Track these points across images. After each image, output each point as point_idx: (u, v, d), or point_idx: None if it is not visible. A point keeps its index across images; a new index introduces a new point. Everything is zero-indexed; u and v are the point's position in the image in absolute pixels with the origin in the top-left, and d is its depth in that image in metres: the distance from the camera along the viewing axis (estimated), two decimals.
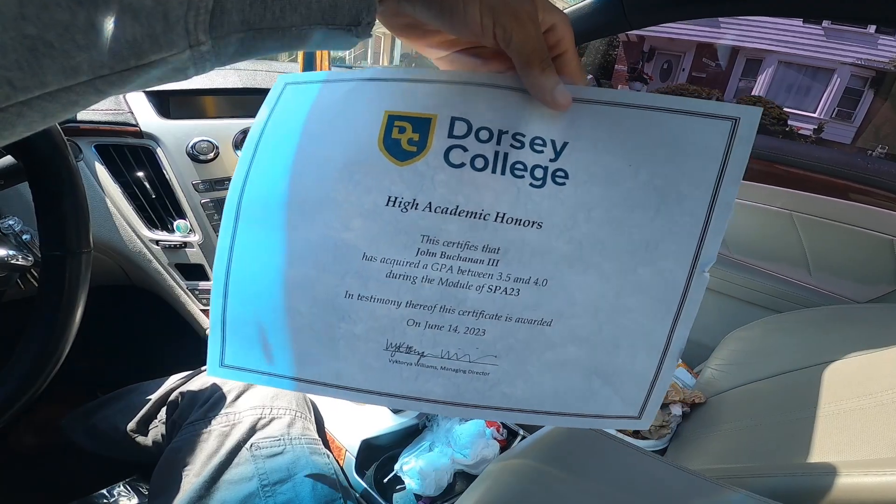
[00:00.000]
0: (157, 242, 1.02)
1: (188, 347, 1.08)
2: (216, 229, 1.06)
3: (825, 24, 5.66)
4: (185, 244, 1.04)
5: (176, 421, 0.70)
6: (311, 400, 0.78)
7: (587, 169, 0.29)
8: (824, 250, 1.18)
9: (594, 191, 0.29)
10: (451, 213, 0.30)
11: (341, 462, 0.80)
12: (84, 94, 0.18)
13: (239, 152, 1.05)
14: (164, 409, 0.74)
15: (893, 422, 0.65)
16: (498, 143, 0.29)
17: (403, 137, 0.30)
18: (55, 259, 0.55)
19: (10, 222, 0.64)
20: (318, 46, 0.25)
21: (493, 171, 0.29)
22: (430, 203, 0.30)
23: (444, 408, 0.31)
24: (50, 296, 0.55)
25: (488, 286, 0.30)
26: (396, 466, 0.82)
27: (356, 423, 0.84)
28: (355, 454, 0.79)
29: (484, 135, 0.30)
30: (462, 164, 0.30)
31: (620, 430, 1.02)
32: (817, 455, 0.68)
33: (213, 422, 0.65)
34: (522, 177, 0.29)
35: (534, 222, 0.30)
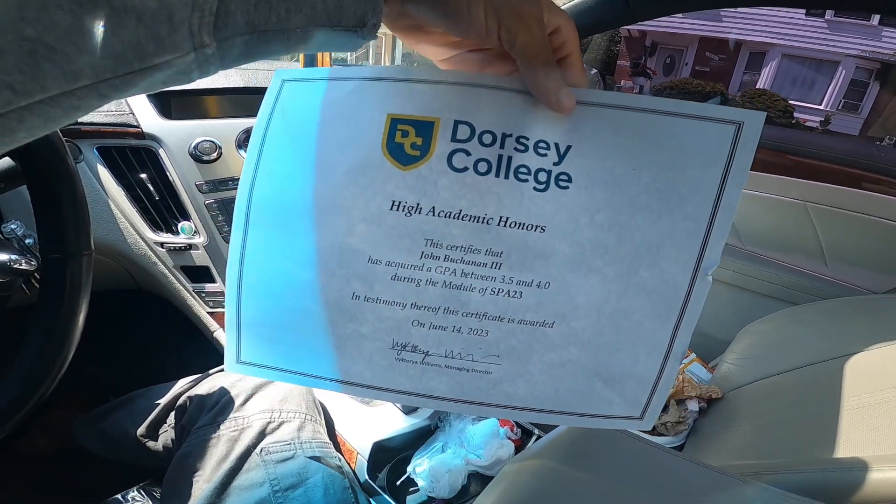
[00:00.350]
0: (161, 245, 1.00)
1: (197, 350, 1.08)
2: (221, 231, 1.05)
3: (828, 16, 5.64)
4: (191, 246, 1.02)
5: (185, 426, 0.69)
6: (321, 402, 0.77)
7: (590, 173, 0.29)
8: (840, 241, 1.16)
9: (597, 194, 0.30)
10: (454, 218, 0.30)
11: (353, 465, 0.79)
12: (86, 98, 0.18)
13: (242, 152, 1.04)
14: (172, 414, 0.73)
15: None
16: (501, 146, 0.30)
17: (406, 141, 0.30)
18: (55, 262, 0.54)
19: (13, 226, 0.63)
20: (322, 48, 0.25)
21: (497, 175, 0.30)
22: (433, 207, 0.30)
23: (448, 404, 0.32)
24: (50, 300, 0.54)
25: (491, 289, 0.30)
26: (409, 468, 0.80)
27: (367, 425, 0.83)
28: (367, 457, 0.78)
29: (487, 138, 0.30)
30: (465, 169, 0.30)
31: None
32: (843, 450, 0.66)
33: (222, 426, 0.64)
34: (526, 181, 0.30)
35: (537, 226, 0.30)
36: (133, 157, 0.97)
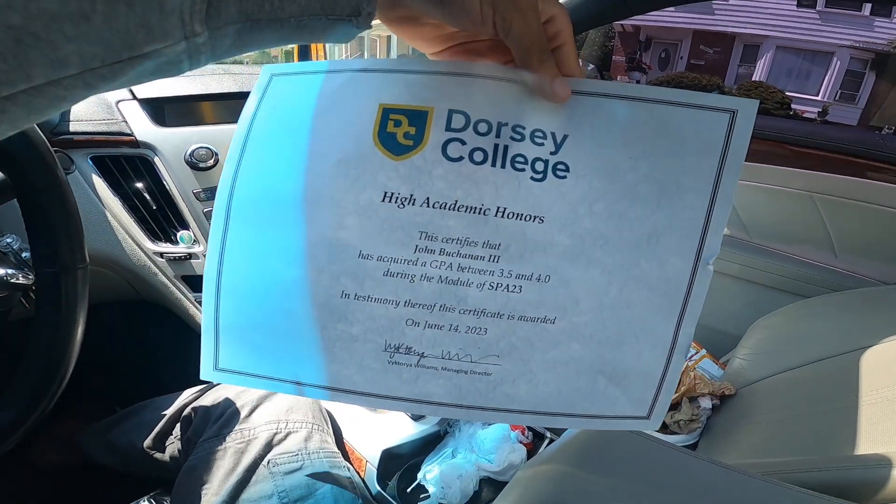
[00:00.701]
0: (161, 255, 0.99)
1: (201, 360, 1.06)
2: None
3: (819, 7, 5.64)
4: (190, 255, 1.01)
5: (190, 438, 0.68)
6: (328, 410, 0.76)
7: (588, 162, 0.29)
8: (849, 231, 1.14)
9: (595, 184, 0.29)
10: (449, 209, 0.29)
11: (362, 473, 0.77)
12: (72, 88, 0.17)
13: None
14: (178, 425, 0.72)
15: None
16: (497, 135, 0.29)
17: (399, 131, 0.29)
18: (49, 276, 0.54)
19: (9, 240, 0.62)
20: (317, 39, 0.24)
21: (493, 165, 0.29)
22: (427, 198, 0.29)
23: (445, 410, 0.31)
24: (47, 314, 0.53)
25: (489, 283, 0.29)
26: (419, 475, 0.79)
27: (375, 432, 0.82)
28: (376, 465, 0.77)
29: (483, 127, 0.29)
30: (460, 158, 0.29)
31: None
32: (865, 447, 0.65)
33: (228, 438, 0.63)
34: (523, 170, 0.29)
35: (535, 216, 0.29)
36: (128, 166, 0.95)
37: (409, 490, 0.79)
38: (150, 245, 0.98)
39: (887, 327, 0.82)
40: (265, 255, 0.31)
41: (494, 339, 0.30)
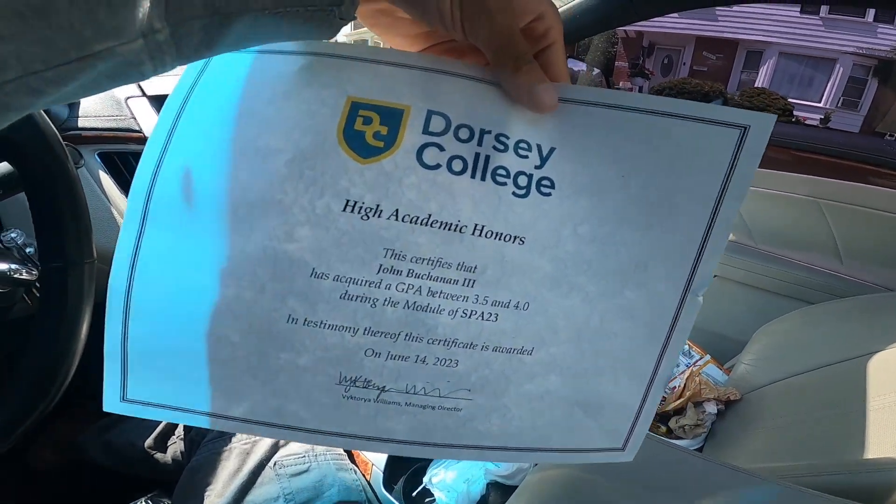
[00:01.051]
0: None
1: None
2: None
3: (822, 13, 5.66)
4: None
5: (194, 438, 0.68)
6: None
7: (575, 179, 0.26)
8: (855, 238, 1.14)
9: (582, 203, 0.26)
10: (421, 224, 0.25)
11: (368, 477, 0.76)
12: (15, 95, 0.15)
13: None
14: (181, 425, 0.71)
15: None
16: (479, 143, 0.25)
17: (369, 129, 0.25)
18: (55, 271, 0.53)
19: (13, 235, 0.62)
20: (295, 35, 0.22)
21: (473, 176, 0.25)
22: (396, 210, 0.25)
23: (409, 448, 0.27)
24: (51, 310, 0.52)
25: (462, 310, 0.26)
26: (425, 479, 0.78)
27: None
28: (382, 468, 0.76)
29: (464, 133, 0.25)
30: (437, 166, 0.25)
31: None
32: (873, 451, 0.65)
33: (233, 439, 0.63)
34: (505, 184, 0.25)
35: (516, 237, 0.26)
36: (136, 163, 0.94)
37: (414, 494, 0.78)
38: None
39: (893, 333, 0.82)
40: (190, 267, 0.26)
41: (466, 372, 0.27)
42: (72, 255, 0.53)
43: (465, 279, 0.25)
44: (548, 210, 0.26)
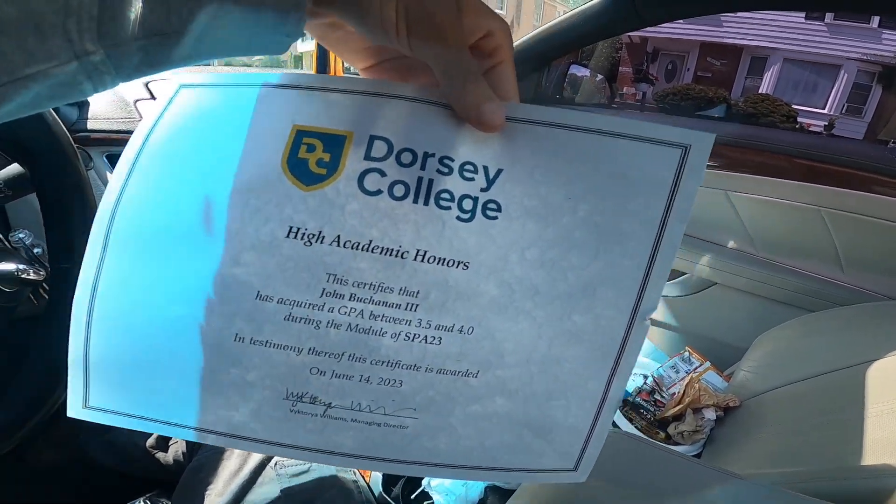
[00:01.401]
0: None
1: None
2: None
3: (828, 19, 5.65)
4: None
5: None
6: None
7: (522, 202, 0.26)
8: (856, 246, 1.14)
9: (529, 227, 0.26)
10: (363, 249, 0.26)
11: (367, 479, 0.77)
12: None
13: None
14: None
15: None
16: (422, 167, 0.26)
17: (312, 157, 0.26)
18: (64, 272, 0.53)
19: (21, 235, 0.62)
20: (241, 51, 0.22)
21: (415, 201, 0.26)
22: (338, 236, 0.26)
23: (358, 462, 0.28)
24: (59, 310, 0.53)
25: (405, 333, 0.26)
26: (424, 481, 0.79)
27: None
28: None
29: (406, 157, 0.26)
30: (379, 192, 0.25)
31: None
32: (871, 458, 0.65)
33: None
34: (448, 208, 0.26)
35: (459, 262, 0.26)
36: None
37: (412, 496, 0.79)
38: None
39: (891, 341, 0.82)
40: (145, 289, 0.27)
41: (410, 392, 0.27)
42: (80, 256, 0.53)
43: (408, 303, 0.26)
44: (494, 235, 0.26)
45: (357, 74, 0.30)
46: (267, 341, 0.26)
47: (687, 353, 1.18)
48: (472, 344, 0.27)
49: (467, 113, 0.25)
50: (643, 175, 0.26)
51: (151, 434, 0.73)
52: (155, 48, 0.19)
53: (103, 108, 0.92)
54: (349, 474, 0.64)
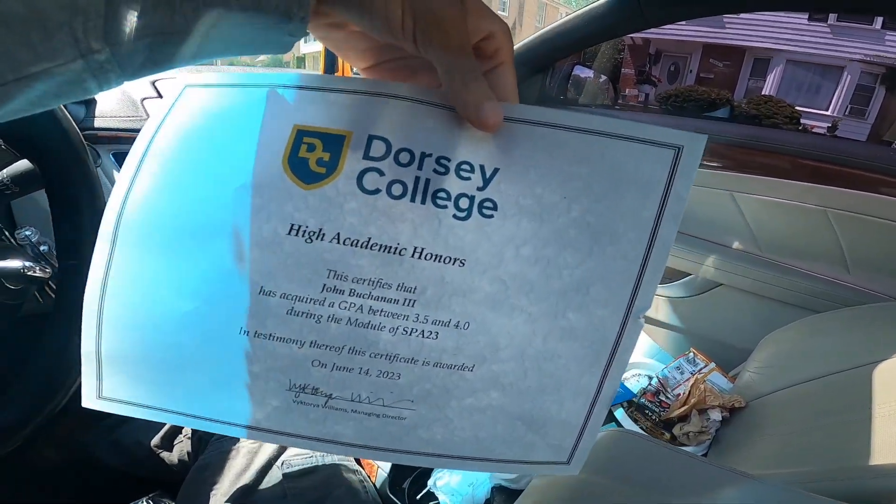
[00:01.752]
0: None
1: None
2: None
3: (831, 20, 5.63)
4: None
5: (202, 437, 0.68)
6: None
7: (518, 200, 0.27)
8: (862, 247, 1.13)
9: (524, 225, 0.27)
10: (362, 247, 0.27)
11: (373, 479, 0.77)
12: None
13: None
14: None
15: None
16: (419, 167, 0.26)
17: (312, 156, 0.27)
18: (71, 269, 0.53)
19: (27, 233, 0.62)
20: (247, 50, 0.23)
21: (413, 200, 0.26)
22: (338, 234, 0.26)
23: (357, 451, 0.29)
24: (66, 307, 0.53)
25: (403, 328, 0.27)
26: (430, 482, 0.79)
27: None
28: (387, 470, 0.76)
29: (404, 157, 0.27)
30: (377, 191, 0.26)
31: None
32: (878, 458, 0.64)
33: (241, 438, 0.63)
34: (445, 207, 0.26)
35: (456, 259, 0.27)
36: None
37: (419, 497, 0.78)
38: None
39: None
40: (153, 283, 0.28)
41: (408, 385, 0.28)
42: (89, 254, 0.53)
43: (406, 299, 0.27)
44: (490, 232, 0.27)
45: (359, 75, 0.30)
46: (270, 335, 0.27)
47: (692, 354, 1.18)
48: (468, 338, 0.27)
49: (467, 111, 0.25)
50: (637, 175, 0.27)
51: (156, 434, 0.73)
52: (159, 48, 0.19)
53: (111, 105, 0.92)
54: (355, 474, 0.64)
